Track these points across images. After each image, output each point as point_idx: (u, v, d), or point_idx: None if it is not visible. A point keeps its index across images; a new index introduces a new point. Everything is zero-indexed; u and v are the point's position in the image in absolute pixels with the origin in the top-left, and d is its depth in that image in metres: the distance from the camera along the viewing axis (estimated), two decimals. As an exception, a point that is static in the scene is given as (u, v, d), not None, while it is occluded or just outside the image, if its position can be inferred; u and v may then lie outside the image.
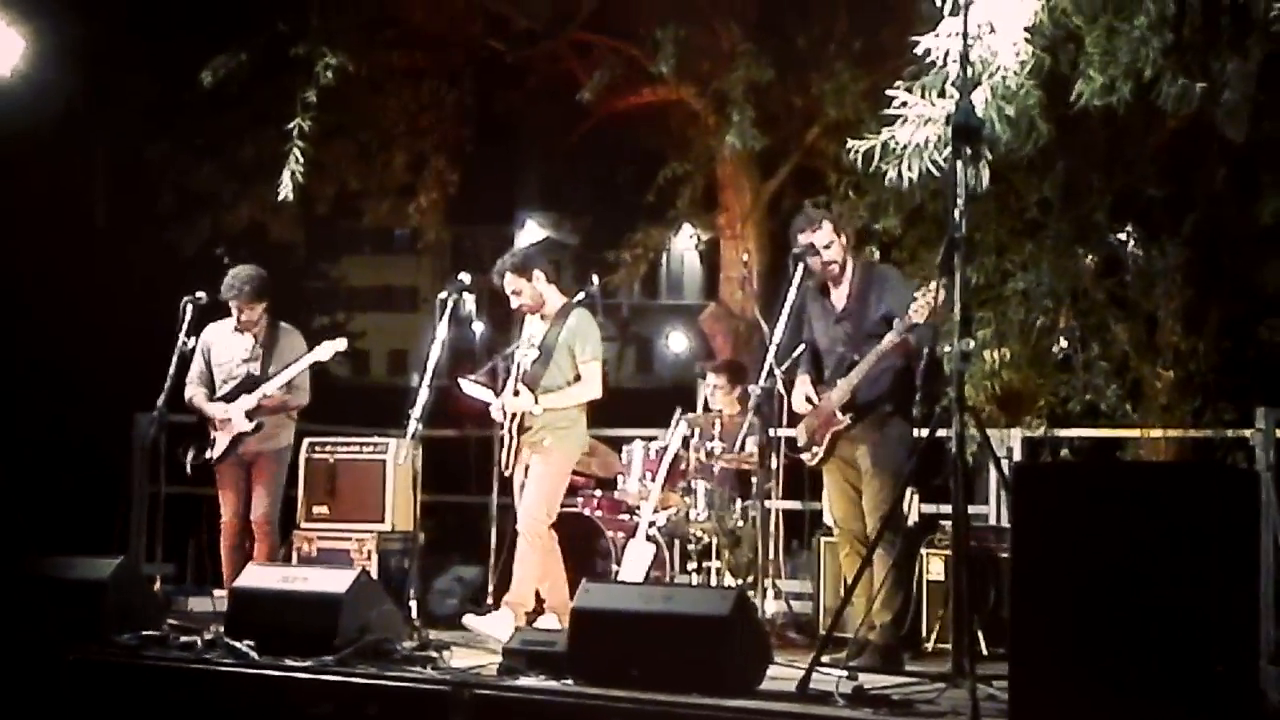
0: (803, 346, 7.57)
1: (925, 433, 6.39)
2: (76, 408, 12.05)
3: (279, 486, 8.67)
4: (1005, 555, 7.17)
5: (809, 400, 7.37)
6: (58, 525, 9.57)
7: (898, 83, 7.48)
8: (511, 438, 7.95)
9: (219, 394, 8.56)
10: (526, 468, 7.98)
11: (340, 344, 8.58)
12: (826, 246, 7.28)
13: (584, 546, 8.68)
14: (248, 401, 8.44)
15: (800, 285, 7.24)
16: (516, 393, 7.93)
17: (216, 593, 8.69)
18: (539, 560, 7.87)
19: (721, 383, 9.17)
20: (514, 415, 7.94)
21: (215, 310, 8.55)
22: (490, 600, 8.10)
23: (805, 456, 7.50)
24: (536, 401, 7.88)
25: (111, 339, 12.33)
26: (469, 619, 7.76)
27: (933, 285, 6.55)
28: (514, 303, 8.07)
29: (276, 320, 8.72)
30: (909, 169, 7.33)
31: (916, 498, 8.31)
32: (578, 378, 7.99)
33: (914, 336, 6.90)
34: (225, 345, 8.64)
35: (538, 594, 7.91)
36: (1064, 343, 10.06)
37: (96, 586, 7.23)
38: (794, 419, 7.68)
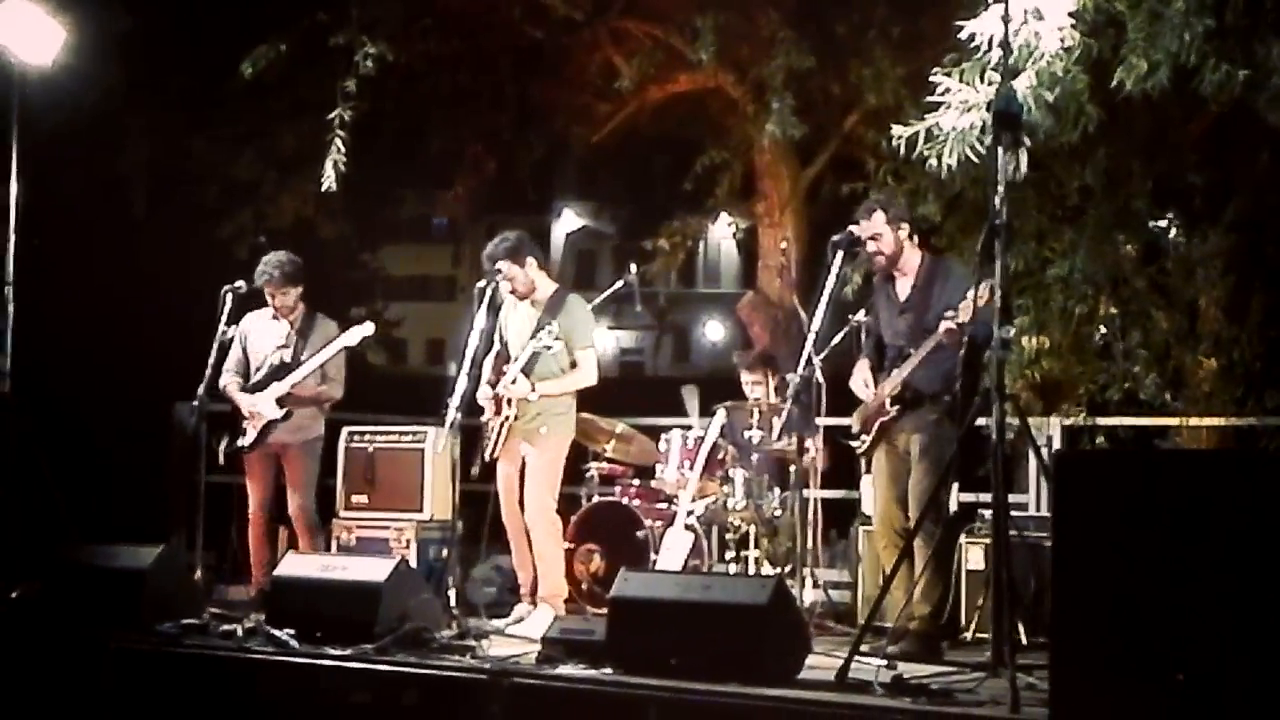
0: (847, 329, 7.55)
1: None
2: (117, 397, 12.11)
3: (312, 478, 8.71)
4: (1045, 544, 7.13)
5: (866, 385, 7.36)
6: (99, 514, 9.61)
7: (935, 70, 7.44)
8: (505, 423, 7.95)
9: (253, 381, 8.61)
10: (524, 460, 7.97)
11: (367, 328, 8.59)
12: (873, 238, 7.24)
13: (622, 535, 8.69)
14: (278, 389, 8.49)
15: (840, 272, 7.22)
16: (514, 380, 7.91)
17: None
18: (557, 547, 8.01)
19: (756, 377, 9.14)
20: (510, 401, 7.93)
21: (255, 299, 8.58)
22: (525, 592, 8.10)
23: (854, 444, 7.50)
24: (534, 389, 7.89)
25: (151, 328, 12.38)
26: (512, 629, 7.77)
27: (983, 287, 6.32)
28: (505, 288, 8.07)
29: (314, 310, 8.77)
30: (950, 156, 7.30)
31: (956, 486, 8.26)
32: (573, 364, 8.01)
33: (964, 332, 6.84)
34: (262, 333, 8.71)
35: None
36: (1104, 330, 10.00)
37: (137, 575, 7.28)
38: (833, 406, 7.66)
